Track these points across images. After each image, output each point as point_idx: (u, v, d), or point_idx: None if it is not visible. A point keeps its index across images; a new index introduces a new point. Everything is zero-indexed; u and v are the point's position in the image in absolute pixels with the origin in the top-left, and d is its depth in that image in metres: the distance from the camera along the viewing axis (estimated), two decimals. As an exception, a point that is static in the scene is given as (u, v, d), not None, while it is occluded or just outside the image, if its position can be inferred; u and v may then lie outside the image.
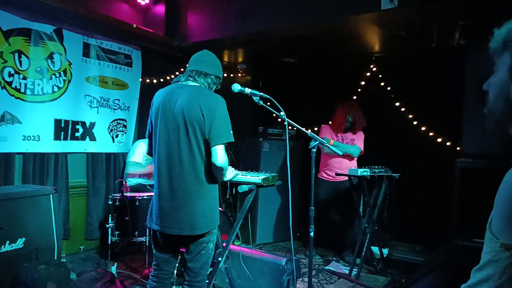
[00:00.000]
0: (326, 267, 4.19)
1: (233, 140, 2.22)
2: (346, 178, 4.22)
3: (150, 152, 2.36)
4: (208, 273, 2.40)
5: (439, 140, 4.53)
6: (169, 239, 2.26)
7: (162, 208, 2.20)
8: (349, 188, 4.26)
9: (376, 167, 3.89)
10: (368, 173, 3.76)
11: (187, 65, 5.65)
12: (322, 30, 4.07)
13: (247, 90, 2.49)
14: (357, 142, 4.45)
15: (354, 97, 5.04)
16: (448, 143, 4.47)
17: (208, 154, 2.17)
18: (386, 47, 4.64)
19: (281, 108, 2.48)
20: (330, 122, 4.71)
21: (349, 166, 4.30)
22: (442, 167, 4.50)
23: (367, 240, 3.85)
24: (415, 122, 4.68)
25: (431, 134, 4.58)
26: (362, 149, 4.45)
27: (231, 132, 2.21)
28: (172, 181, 2.17)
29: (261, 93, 2.49)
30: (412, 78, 4.80)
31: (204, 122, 2.12)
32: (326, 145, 2.67)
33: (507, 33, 0.89)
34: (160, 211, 2.20)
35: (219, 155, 2.14)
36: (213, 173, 2.22)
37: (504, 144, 3.58)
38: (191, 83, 2.27)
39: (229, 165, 2.32)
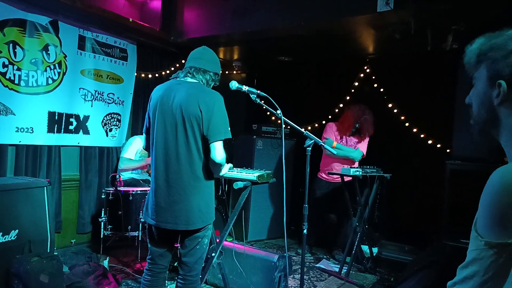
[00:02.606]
0: (317, 265, 4.24)
1: (231, 137, 2.24)
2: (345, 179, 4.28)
3: (147, 147, 2.38)
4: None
5: (430, 141, 4.61)
6: (165, 233, 2.28)
7: (158, 202, 2.21)
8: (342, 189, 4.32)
9: (368, 167, 3.95)
10: (360, 173, 3.82)
11: (183, 60, 5.64)
12: (318, 31, 4.11)
13: (245, 88, 2.51)
14: (361, 145, 4.44)
15: (348, 98, 5.10)
16: (438, 145, 4.55)
17: (205, 150, 2.20)
18: (380, 49, 4.70)
19: (277, 107, 2.51)
20: (337, 121, 4.63)
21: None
22: (432, 169, 4.58)
23: (357, 239, 3.91)
24: (407, 124, 4.76)
25: (422, 135, 4.66)
26: (365, 153, 4.44)
27: (229, 128, 2.23)
28: (169, 177, 2.19)
29: (258, 91, 2.51)
30: (405, 80, 4.88)
31: (202, 118, 2.14)
32: (321, 144, 2.71)
33: (478, 49, 0.97)
34: (156, 205, 2.22)
35: (218, 151, 2.16)
36: (209, 169, 2.25)
37: (492, 148, 3.66)
38: (189, 79, 2.28)
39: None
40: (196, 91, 2.19)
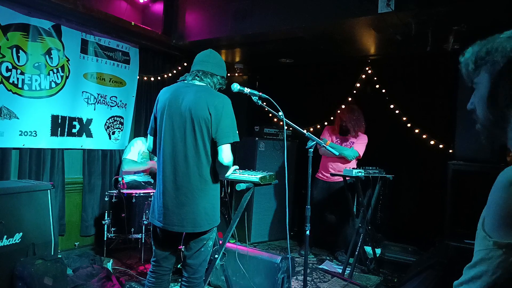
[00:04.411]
0: (320, 266, 4.24)
1: (239, 140, 2.26)
2: (341, 179, 4.30)
3: (154, 150, 2.37)
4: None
5: (432, 142, 4.60)
6: (170, 236, 2.29)
7: (165, 205, 2.21)
8: (343, 189, 4.33)
9: (371, 168, 3.95)
10: (363, 174, 3.82)
11: (185, 63, 5.65)
12: (319, 33, 4.12)
13: (246, 90, 2.51)
14: (356, 145, 4.47)
15: (349, 99, 5.10)
16: (440, 146, 4.55)
17: (213, 153, 2.21)
18: (382, 50, 4.70)
19: (279, 108, 2.52)
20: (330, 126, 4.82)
21: (345, 168, 4.35)
22: (435, 169, 4.58)
23: (360, 240, 3.91)
24: (409, 125, 4.75)
25: (424, 136, 4.65)
26: (361, 153, 4.45)
27: (237, 132, 2.25)
28: (177, 179, 2.19)
29: (260, 93, 2.52)
30: (406, 81, 4.88)
31: (212, 121, 2.15)
32: (323, 145, 2.72)
33: (474, 56, 0.98)
34: (164, 208, 2.22)
35: (226, 154, 2.18)
36: (216, 172, 2.26)
37: (495, 148, 3.66)
38: (197, 82, 2.29)
39: None
40: (205, 94, 2.21)
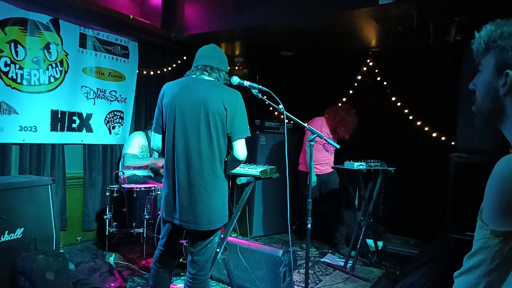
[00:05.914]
0: (322, 259, 4.25)
1: (250, 135, 2.26)
2: (329, 170, 4.51)
3: (163, 151, 2.29)
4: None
5: (434, 134, 4.59)
6: (179, 230, 2.30)
7: (180, 202, 2.19)
8: (334, 180, 4.55)
9: (372, 161, 3.94)
10: (364, 167, 3.81)
11: (184, 57, 5.58)
12: (320, 25, 4.08)
13: (246, 83, 2.48)
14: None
15: (351, 91, 5.07)
16: (443, 138, 4.53)
17: (225, 148, 2.21)
18: (383, 42, 4.67)
19: (279, 101, 2.49)
20: (325, 118, 4.64)
21: (331, 159, 4.58)
22: (436, 162, 4.57)
23: (362, 233, 3.91)
24: (410, 117, 4.73)
25: (426, 129, 4.63)
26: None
27: (248, 127, 2.25)
28: (190, 176, 2.16)
29: (260, 86, 2.49)
30: (408, 73, 4.84)
31: (227, 117, 2.14)
32: (325, 139, 2.70)
33: (488, 36, 0.94)
34: (179, 205, 2.19)
35: (241, 149, 2.19)
36: (224, 167, 2.25)
37: (497, 139, 3.64)
38: (206, 77, 2.26)
39: None
40: (218, 89, 2.19)
